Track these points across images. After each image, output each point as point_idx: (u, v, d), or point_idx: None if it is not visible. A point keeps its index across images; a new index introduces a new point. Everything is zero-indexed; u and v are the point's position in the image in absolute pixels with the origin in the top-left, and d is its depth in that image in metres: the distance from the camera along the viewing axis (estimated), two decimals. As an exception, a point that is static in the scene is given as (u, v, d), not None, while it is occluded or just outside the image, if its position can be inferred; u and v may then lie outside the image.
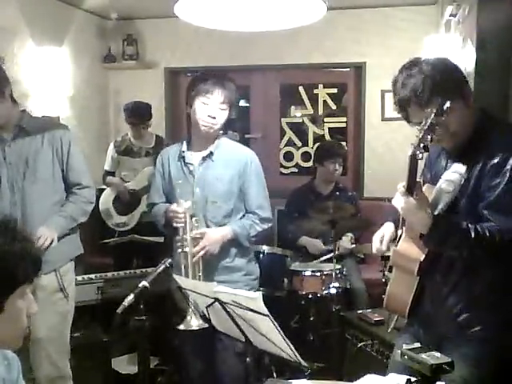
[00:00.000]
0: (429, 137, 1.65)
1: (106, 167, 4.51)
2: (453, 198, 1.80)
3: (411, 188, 1.72)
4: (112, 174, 4.48)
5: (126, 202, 4.37)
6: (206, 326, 2.18)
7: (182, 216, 2.50)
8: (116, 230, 4.35)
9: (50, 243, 2.50)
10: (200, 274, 2.52)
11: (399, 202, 1.77)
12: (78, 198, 2.67)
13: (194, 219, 2.53)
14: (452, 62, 1.88)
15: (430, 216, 1.74)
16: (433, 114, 1.66)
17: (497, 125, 1.81)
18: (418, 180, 1.73)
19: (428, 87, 1.73)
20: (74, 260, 2.75)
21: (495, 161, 1.72)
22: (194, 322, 2.32)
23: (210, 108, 2.51)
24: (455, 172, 1.82)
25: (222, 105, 2.52)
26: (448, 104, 1.66)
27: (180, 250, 2.51)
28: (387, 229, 2.04)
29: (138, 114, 4.37)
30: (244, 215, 2.66)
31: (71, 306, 2.70)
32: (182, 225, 2.51)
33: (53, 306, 2.58)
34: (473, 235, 1.68)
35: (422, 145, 1.65)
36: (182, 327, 2.35)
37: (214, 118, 2.51)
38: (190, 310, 2.31)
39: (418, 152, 1.65)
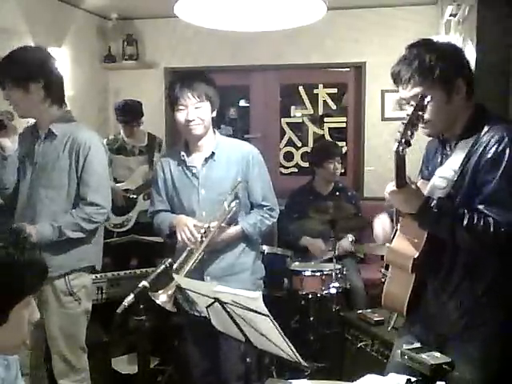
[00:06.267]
0: (409, 132, 1.66)
1: None
2: (446, 194, 1.81)
3: (401, 182, 1.74)
4: None
5: (122, 203, 4.32)
6: (173, 310, 2.31)
7: (197, 236, 2.48)
8: (114, 231, 4.29)
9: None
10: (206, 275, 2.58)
11: (391, 196, 1.80)
12: (77, 212, 2.53)
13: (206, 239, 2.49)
14: (459, 47, 1.93)
15: (423, 198, 1.76)
16: (413, 108, 1.68)
17: (491, 120, 1.81)
18: (406, 174, 1.74)
19: (434, 57, 1.77)
20: (85, 268, 2.66)
21: (490, 155, 1.72)
22: (162, 298, 2.24)
23: (186, 112, 2.52)
24: (449, 168, 1.83)
25: (197, 104, 2.51)
26: (429, 98, 1.68)
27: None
28: (384, 218, 2.04)
29: (129, 112, 4.36)
30: (252, 210, 2.66)
31: (84, 307, 2.65)
32: (192, 244, 2.48)
33: (63, 309, 2.58)
34: (465, 221, 1.69)
35: (403, 140, 1.66)
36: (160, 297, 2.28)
37: (193, 120, 2.52)
38: (171, 291, 2.27)
39: (401, 148, 1.67)
